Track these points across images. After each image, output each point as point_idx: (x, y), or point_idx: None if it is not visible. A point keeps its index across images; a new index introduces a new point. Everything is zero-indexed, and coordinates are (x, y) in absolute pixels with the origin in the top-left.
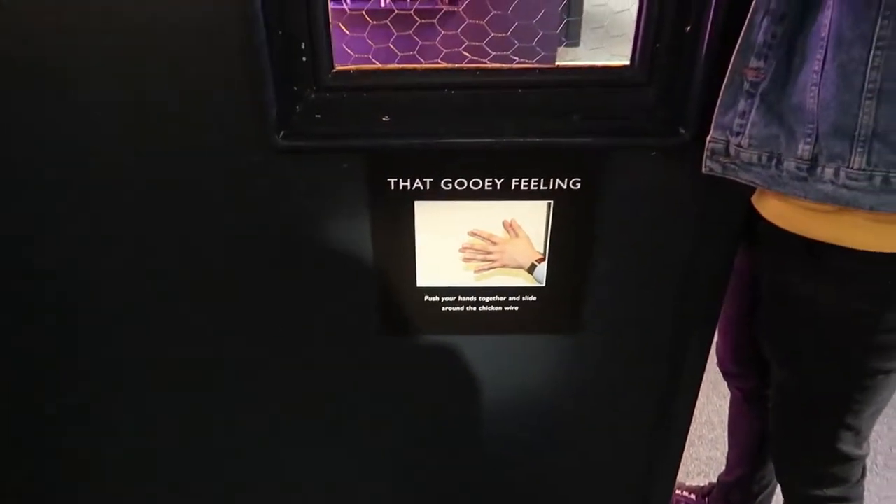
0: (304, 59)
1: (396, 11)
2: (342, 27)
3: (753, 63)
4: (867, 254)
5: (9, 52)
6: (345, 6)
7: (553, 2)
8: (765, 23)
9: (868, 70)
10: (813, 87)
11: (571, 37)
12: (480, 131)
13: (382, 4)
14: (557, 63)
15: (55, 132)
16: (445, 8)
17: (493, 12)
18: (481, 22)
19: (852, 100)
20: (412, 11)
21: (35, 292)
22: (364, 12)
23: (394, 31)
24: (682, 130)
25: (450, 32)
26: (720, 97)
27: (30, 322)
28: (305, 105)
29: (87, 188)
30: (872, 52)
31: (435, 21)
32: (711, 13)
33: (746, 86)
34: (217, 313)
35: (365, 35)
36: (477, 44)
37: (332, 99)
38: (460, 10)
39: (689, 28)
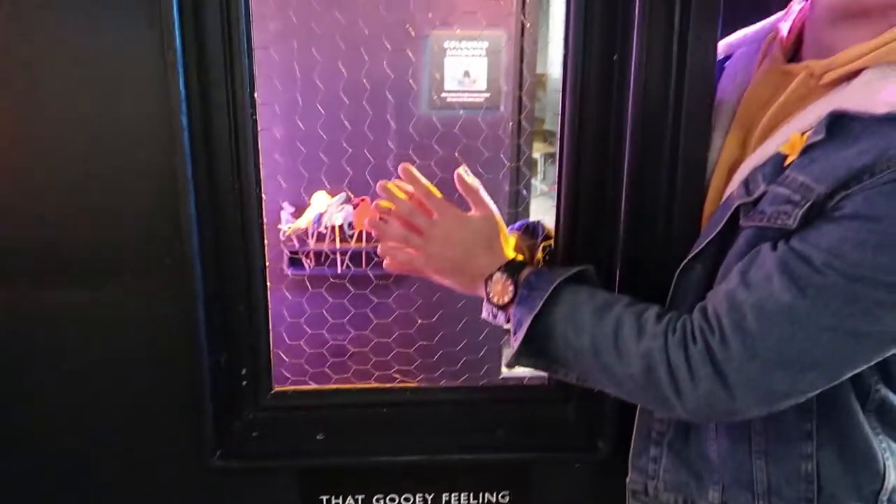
0: (244, 382)
1: (332, 280)
2: (285, 291)
3: (657, 414)
4: None
5: None
6: (288, 272)
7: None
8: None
9: (752, 434)
10: (712, 441)
11: None
12: (411, 448)
13: (339, 270)
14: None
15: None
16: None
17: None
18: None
19: (744, 458)
20: (346, 281)
21: None
22: (305, 278)
23: (329, 298)
24: (601, 445)
25: (401, 291)
26: (633, 441)
27: None
28: (243, 425)
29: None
30: (753, 421)
31: (390, 282)
32: None
33: (654, 434)
34: None
35: (303, 300)
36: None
37: (270, 418)
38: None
39: None
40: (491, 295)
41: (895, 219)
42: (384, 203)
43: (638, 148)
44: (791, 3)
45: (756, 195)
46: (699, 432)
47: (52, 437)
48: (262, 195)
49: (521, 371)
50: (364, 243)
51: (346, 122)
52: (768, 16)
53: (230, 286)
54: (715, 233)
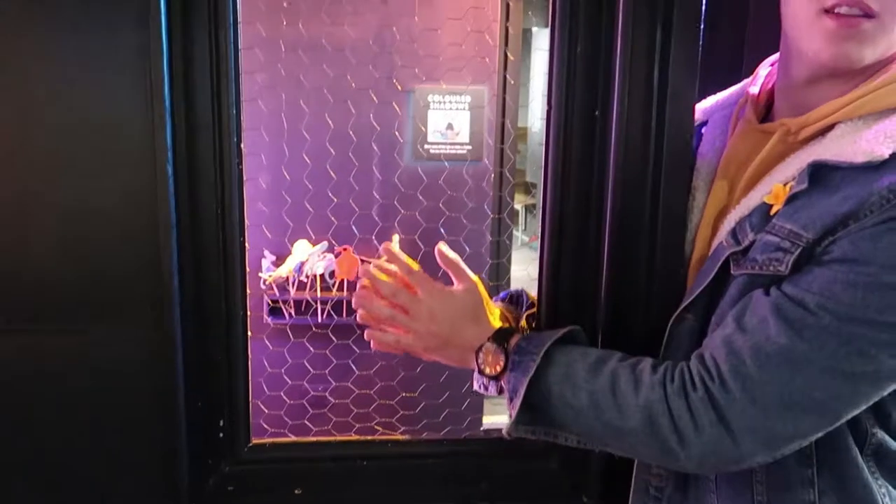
0: (221, 434)
1: (314, 329)
2: (266, 341)
3: (655, 469)
4: None
5: None
6: (268, 321)
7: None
8: None
9: (753, 483)
10: (712, 494)
11: None
12: (394, 502)
13: (320, 319)
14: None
15: None
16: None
17: None
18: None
19: None
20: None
21: None
22: (287, 327)
23: (310, 348)
24: (586, 499)
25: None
26: (630, 499)
27: None
28: (219, 478)
29: None
30: (754, 469)
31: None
32: None
33: (652, 490)
34: None
35: (285, 350)
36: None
37: (247, 471)
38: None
39: None
40: (482, 366)
41: (881, 260)
42: (366, 281)
43: (619, 202)
44: (758, 68)
45: (745, 244)
46: (698, 485)
47: (19, 487)
48: (246, 245)
49: (504, 421)
50: (345, 293)
51: (331, 172)
52: (742, 76)
53: (210, 335)
54: (706, 283)
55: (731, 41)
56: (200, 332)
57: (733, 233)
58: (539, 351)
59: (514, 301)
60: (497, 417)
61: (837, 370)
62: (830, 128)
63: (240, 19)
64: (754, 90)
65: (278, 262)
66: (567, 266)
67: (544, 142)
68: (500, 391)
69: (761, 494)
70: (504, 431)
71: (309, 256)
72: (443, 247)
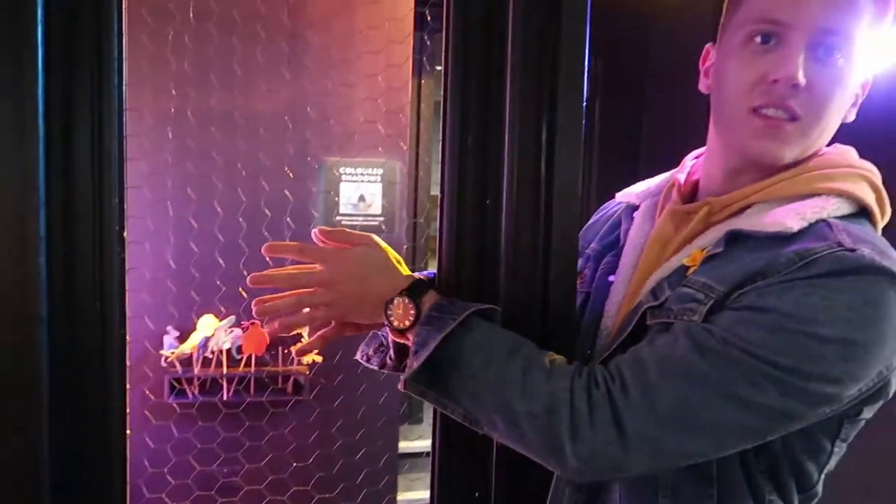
0: None
1: (224, 411)
2: (172, 428)
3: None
4: None
5: None
6: (170, 400)
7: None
8: (567, 491)
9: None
10: None
11: (414, 414)
12: None
13: (226, 396)
14: (400, 441)
15: None
16: (294, 398)
17: (341, 397)
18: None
19: None
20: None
21: None
22: (195, 409)
23: (221, 431)
24: None
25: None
26: None
27: None
28: None
29: None
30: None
31: (287, 409)
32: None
33: None
34: None
35: (191, 435)
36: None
37: None
38: (311, 397)
39: None
40: (392, 318)
41: (784, 310)
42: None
43: (511, 287)
44: (685, 159)
45: (662, 299)
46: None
47: None
48: (127, 336)
49: (423, 495)
50: (252, 368)
51: (244, 246)
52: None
53: (87, 444)
54: (625, 335)
55: (630, 127)
56: (73, 438)
57: (652, 291)
58: (461, 313)
59: None
60: (413, 494)
61: (732, 395)
62: (747, 207)
63: (125, 105)
64: (682, 177)
65: (182, 337)
66: None
67: (438, 230)
68: (383, 365)
69: None
70: (399, 385)
71: (215, 331)
72: (319, 230)
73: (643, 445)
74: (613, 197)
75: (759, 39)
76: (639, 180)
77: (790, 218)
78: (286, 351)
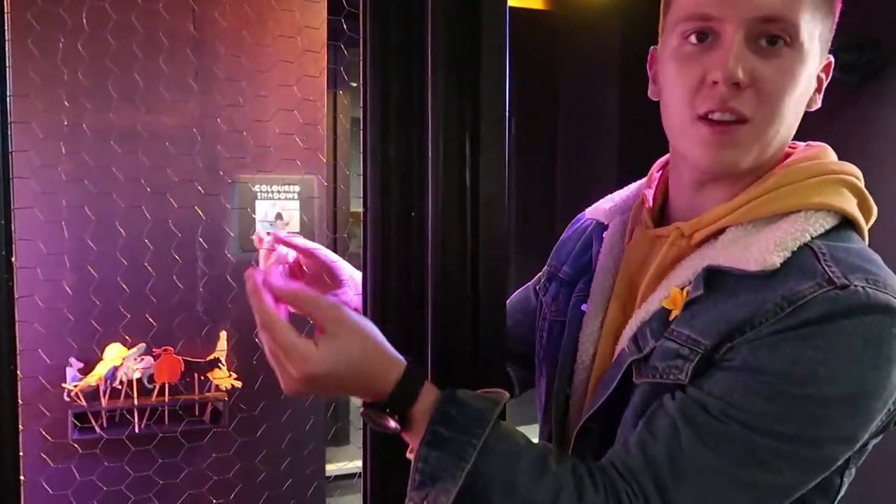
0: None
1: (133, 449)
2: (73, 470)
3: None
4: None
5: None
6: (73, 437)
7: (319, 409)
8: None
9: None
10: None
11: (341, 435)
12: None
13: (138, 429)
14: (328, 463)
15: None
16: (213, 428)
17: (264, 425)
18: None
19: None
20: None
21: None
22: (99, 446)
23: (130, 471)
24: None
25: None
26: None
27: None
28: None
29: None
30: None
31: (203, 443)
32: None
33: None
34: None
35: (96, 476)
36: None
37: None
38: (230, 428)
39: None
40: (377, 425)
41: (780, 370)
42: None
43: (439, 307)
44: (652, 169)
45: (646, 351)
46: None
47: None
48: (18, 371)
49: None
50: (166, 398)
51: (149, 269)
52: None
53: None
54: (609, 392)
55: (545, 131)
56: None
57: (634, 339)
58: (481, 431)
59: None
60: None
61: (742, 482)
62: (722, 231)
63: (10, 118)
64: (650, 193)
65: (86, 369)
66: None
67: (362, 245)
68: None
69: None
70: None
71: (124, 360)
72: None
73: None
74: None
75: (693, 39)
76: (556, 192)
77: (770, 251)
78: (202, 377)
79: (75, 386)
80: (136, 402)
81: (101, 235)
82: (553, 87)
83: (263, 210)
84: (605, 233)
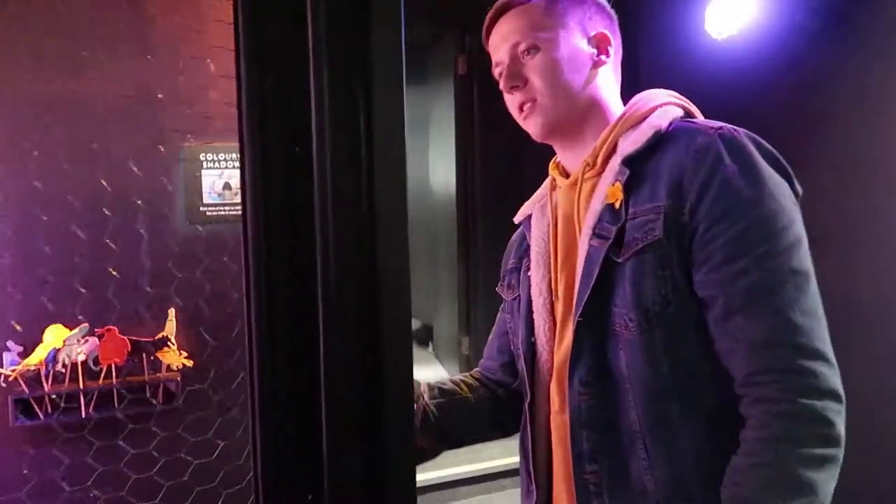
0: None
1: (68, 434)
2: (16, 455)
3: (588, 468)
4: None
5: None
6: (16, 423)
7: None
8: (584, 432)
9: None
10: (647, 473)
11: None
12: None
13: (84, 414)
14: None
15: None
16: (160, 407)
17: (217, 397)
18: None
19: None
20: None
21: None
22: (45, 431)
23: (76, 455)
24: None
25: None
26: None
27: None
28: None
29: None
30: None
31: (150, 424)
32: None
33: (592, 488)
34: None
35: (44, 461)
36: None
37: None
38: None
39: None
40: None
41: (741, 210)
42: None
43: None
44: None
45: (613, 235)
46: (631, 469)
47: None
48: None
49: None
50: (114, 380)
51: (91, 245)
52: None
53: None
54: (594, 282)
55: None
56: None
57: (596, 235)
58: None
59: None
60: None
61: (799, 273)
62: (614, 146)
63: None
64: (554, 173)
65: (27, 353)
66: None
67: (241, 190)
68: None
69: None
70: None
71: (65, 342)
72: None
73: (826, 363)
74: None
75: (496, 72)
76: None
77: (654, 124)
78: (152, 357)
79: (13, 370)
80: (81, 385)
81: (37, 211)
82: None
83: (210, 181)
84: (531, 220)
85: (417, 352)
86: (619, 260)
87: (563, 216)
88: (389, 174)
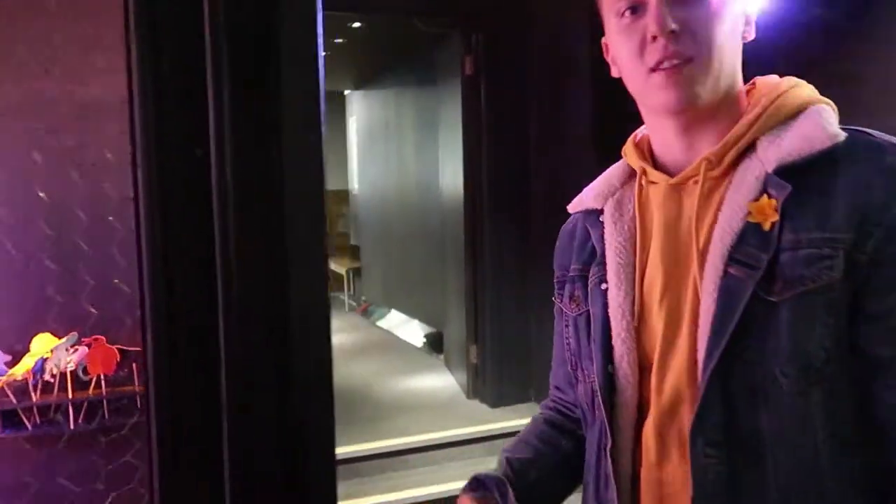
0: None
1: (56, 445)
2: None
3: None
4: None
5: None
6: (4, 435)
7: None
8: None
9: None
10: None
11: None
12: None
13: (73, 425)
14: None
15: None
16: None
17: None
18: None
19: None
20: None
21: None
22: (32, 442)
23: (66, 465)
24: None
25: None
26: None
27: None
28: None
29: None
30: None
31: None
32: None
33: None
34: None
35: (28, 473)
36: None
37: None
38: None
39: None
40: None
41: None
42: None
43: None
44: (623, 148)
45: (763, 265)
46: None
47: None
48: None
49: None
50: (103, 390)
51: (84, 250)
52: None
53: None
54: (738, 318)
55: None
56: None
57: (736, 262)
58: None
59: (484, 486)
60: None
61: None
62: (751, 145)
63: None
64: (643, 164)
65: (15, 362)
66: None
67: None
68: None
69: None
70: None
71: (53, 351)
72: None
73: None
74: None
75: (628, 13)
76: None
77: (823, 128)
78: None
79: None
80: (70, 395)
81: (28, 217)
82: (523, 46)
83: None
84: (601, 217)
85: (429, 360)
86: (773, 299)
87: (664, 223)
88: (301, 169)
